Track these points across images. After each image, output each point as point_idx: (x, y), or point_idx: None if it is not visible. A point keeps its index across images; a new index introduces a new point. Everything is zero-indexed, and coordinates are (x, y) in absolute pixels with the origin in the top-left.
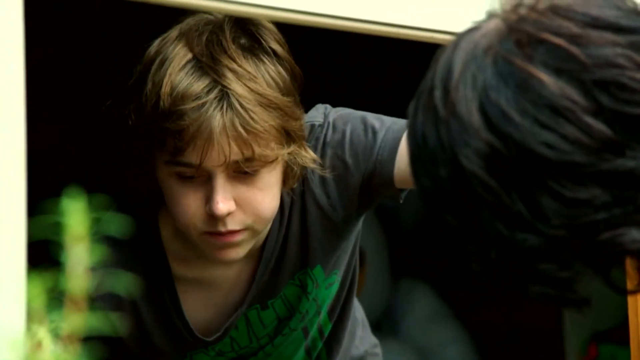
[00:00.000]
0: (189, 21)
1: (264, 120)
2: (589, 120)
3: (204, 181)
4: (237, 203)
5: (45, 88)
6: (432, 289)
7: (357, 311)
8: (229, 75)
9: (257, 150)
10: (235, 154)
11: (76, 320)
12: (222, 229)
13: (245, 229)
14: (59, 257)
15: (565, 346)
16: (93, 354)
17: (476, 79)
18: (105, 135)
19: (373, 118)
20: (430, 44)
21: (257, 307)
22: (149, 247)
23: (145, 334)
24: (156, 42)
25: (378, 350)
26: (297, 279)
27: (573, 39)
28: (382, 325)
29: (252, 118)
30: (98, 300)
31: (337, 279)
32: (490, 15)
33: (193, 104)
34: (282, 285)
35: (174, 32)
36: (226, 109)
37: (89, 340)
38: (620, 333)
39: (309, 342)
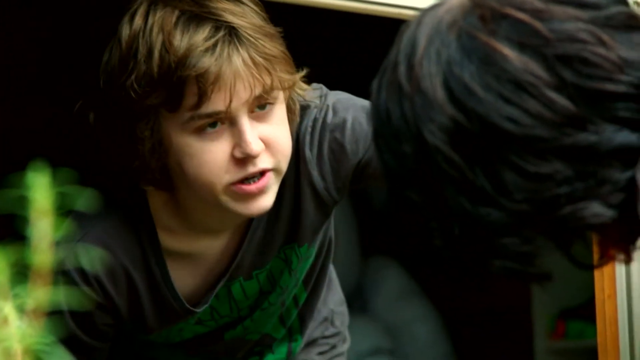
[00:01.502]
0: None
1: (273, 46)
2: (552, 94)
3: (226, 129)
4: (263, 142)
5: (36, 71)
6: (402, 266)
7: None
8: (226, 14)
9: (276, 76)
10: (258, 85)
11: (41, 294)
12: (253, 169)
13: (272, 169)
14: (24, 231)
15: (533, 323)
16: (58, 329)
17: (440, 54)
18: (92, 114)
19: None
20: (398, 20)
21: (240, 279)
22: (138, 219)
23: (139, 304)
24: (126, 18)
25: (344, 308)
26: (283, 253)
27: (536, 13)
28: (352, 302)
29: (264, 46)
30: (87, 269)
31: (314, 251)
32: None
33: (207, 44)
34: (269, 258)
35: (143, 5)
36: (239, 42)
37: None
38: (588, 310)
39: (283, 312)
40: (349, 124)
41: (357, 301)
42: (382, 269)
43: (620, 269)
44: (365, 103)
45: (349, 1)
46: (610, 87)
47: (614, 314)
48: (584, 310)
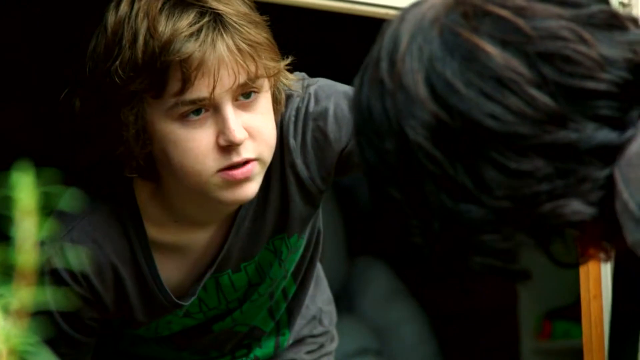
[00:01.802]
0: None
1: (258, 33)
2: (533, 92)
3: (210, 116)
4: (247, 131)
5: (11, 67)
6: (389, 267)
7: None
8: (211, 1)
9: (261, 64)
10: (243, 72)
11: (25, 294)
12: (237, 158)
13: (257, 159)
14: (8, 231)
15: (519, 323)
16: (43, 329)
17: (422, 50)
18: (74, 107)
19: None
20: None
21: (229, 271)
22: (125, 211)
23: (126, 298)
24: (112, 5)
25: (332, 307)
26: (272, 244)
27: (518, 11)
28: (338, 303)
29: (249, 33)
30: (74, 265)
31: (303, 242)
32: None
33: (191, 29)
34: (258, 250)
35: None
36: (224, 28)
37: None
38: (574, 310)
39: (272, 304)
40: (331, 112)
41: (343, 302)
42: (368, 270)
43: (605, 269)
44: (347, 88)
45: (336, 1)
46: (591, 85)
47: (600, 314)
48: (570, 310)
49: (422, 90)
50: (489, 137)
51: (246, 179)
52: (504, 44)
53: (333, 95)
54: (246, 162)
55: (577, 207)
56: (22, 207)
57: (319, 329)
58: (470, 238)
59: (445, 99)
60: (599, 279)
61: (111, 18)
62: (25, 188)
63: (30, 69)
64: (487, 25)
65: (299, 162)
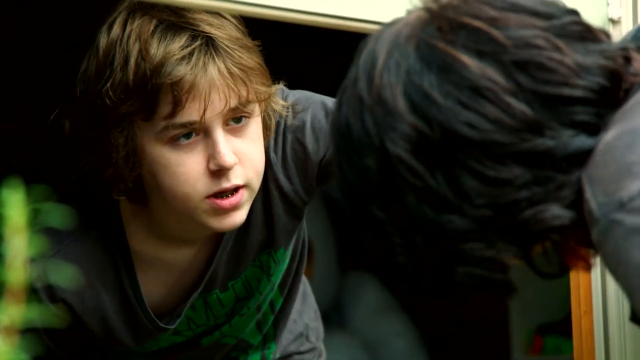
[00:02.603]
0: (130, 2)
1: (250, 58)
2: (509, 100)
3: (201, 140)
4: (236, 157)
5: (11, 67)
6: (380, 281)
7: (302, 283)
8: (204, 24)
9: (252, 88)
10: (234, 96)
11: (15, 312)
12: (226, 184)
13: (245, 185)
14: None
15: (510, 338)
16: (32, 346)
17: (399, 65)
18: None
19: (333, 104)
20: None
21: (217, 291)
22: (111, 232)
23: (108, 323)
24: (105, 27)
25: (319, 323)
26: (258, 260)
27: (492, 21)
28: (330, 317)
29: (240, 57)
30: (55, 288)
31: (289, 254)
32: (413, 10)
33: (183, 53)
34: (244, 268)
35: (122, 14)
36: (215, 52)
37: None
38: (565, 325)
39: (260, 317)
40: (308, 124)
41: (335, 316)
42: (360, 284)
43: (596, 285)
44: (324, 98)
45: (322, 17)
46: (566, 91)
47: (590, 330)
48: (561, 325)
49: (400, 103)
50: (468, 146)
51: (234, 208)
52: (479, 54)
53: (310, 107)
54: (235, 189)
55: (557, 212)
56: (12, 224)
57: (306, 346)
58: (454, 249)
59: (423, 110)
60: (589, 295)
61: (103, 40)
62: (15, 205)
63: (30, 69)
64: (463, 37)
65: (280, 176)
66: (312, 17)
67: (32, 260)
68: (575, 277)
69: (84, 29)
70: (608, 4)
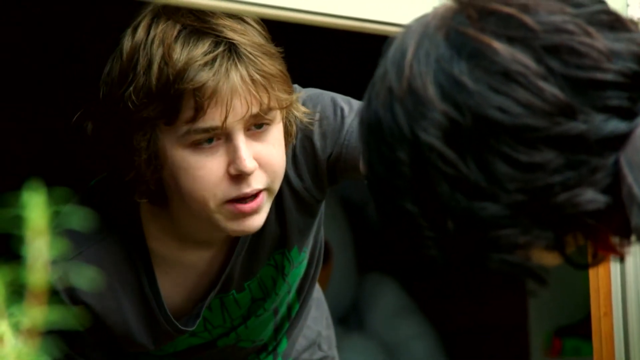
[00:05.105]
0: (155, 6)
1: (272, 65)
2: (541, 84)
3: (222, 145)
4: (257, 161)
5: (17, 83)
6: (398, 283)
7: (315, 290)
8: (227, 30)
9: (273, 95)
10: (255, 103)
11: (37, 314)
12: (247, 189)
13: (265, 189)
14: (19, 250)
15: (529, 340)
16: (53, 349)
17: (429, 54)
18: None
19: (342, 101)
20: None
21: (233, 292)
22: (129, 229)
23: (128, 325)
24: (129, 31)
25: (331, 332)
26: (273, 259)
27: (523, 7)
28: (348, 320)
29: (263, 64)
30: (76, 290)
31: (305, 256)
32: (440, 5)
33: (206, 58)
34: (259, 267)
35: (146, 18)
36: (238, 58)
37: (64, 333)
38: (584, 327)
39: (277, 321)
40: (316, 121)
41: (353, 318)
42: (378, 286)
43: (616, 286)
44: (334, 95)
45: (348, 20)
46: (598, 75)
47: (610, 332)
48: (580, 327)
49: (431, 91)
50: (499, 131)
51: (253, 212)
52: (510, 40)
53: (319, 104)
54: (255, 193)
55: (592, 196)
56: (33, 227)
57: (318, 354)
58: (488, 236)
59: (454, 96)
60: (609, 296)
61: (127, 43)
62: (36, 207)
63: (30, 69)
64: (493, 23)
65: (291, 173)
66: (328, 19)
67: (54, 262)
68: (595, 279)
69: (93, 8)
70: (628, 5)
